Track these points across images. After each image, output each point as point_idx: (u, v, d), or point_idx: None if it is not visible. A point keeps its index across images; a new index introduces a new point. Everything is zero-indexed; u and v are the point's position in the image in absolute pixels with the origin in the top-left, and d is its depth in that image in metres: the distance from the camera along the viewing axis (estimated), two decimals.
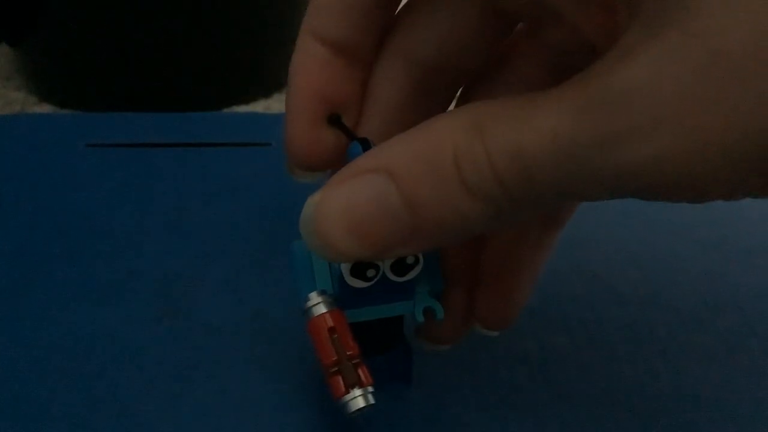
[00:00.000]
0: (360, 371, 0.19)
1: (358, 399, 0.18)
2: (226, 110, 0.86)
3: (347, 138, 0.19)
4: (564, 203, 0.16)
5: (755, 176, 0.13)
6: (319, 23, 0.19)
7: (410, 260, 0.19)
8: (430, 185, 0.15)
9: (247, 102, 0.90)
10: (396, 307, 0.21)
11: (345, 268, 0.19)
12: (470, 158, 0.15)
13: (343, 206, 0.16)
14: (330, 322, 0.19)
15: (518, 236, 0.21)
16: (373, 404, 0.19)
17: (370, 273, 0.19)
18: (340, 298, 0.19)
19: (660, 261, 0.30)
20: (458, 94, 0.21)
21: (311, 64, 0.19)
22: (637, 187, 0.13)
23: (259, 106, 0.90)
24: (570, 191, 0.14)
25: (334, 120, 0.20)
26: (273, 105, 0.91)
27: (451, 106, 0.21)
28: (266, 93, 0.92)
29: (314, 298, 0.19)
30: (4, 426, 0.22)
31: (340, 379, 0.18)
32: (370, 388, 0.19)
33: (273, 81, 0.94)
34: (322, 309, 0.19)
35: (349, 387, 0.18)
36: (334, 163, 0.20)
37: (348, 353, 0.19)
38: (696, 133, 0.12)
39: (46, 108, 0.87)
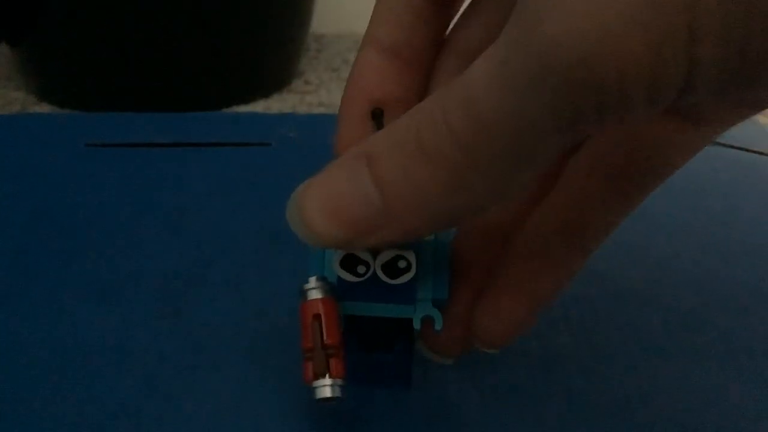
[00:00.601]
0: (332, 362, 0.19)
1: (325, 389, 0.19)
2: (226, 110, 0.86)
3: None
4: (524, 171, 0.15)
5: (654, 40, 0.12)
6: (374, 31, 0.20)
7: (402, 264, 0.19)
8: (393, 159, 0.16)
9: (247, 102, 0.90)
10: (395, 310, 0.20)
11: (336, 258, 0.19)
12: (428, 119, 0.15)
13: (322, 187, 0.17)
14: (319, 309, 0.19)
15: (536, 253, 0.21)
16: (339, 398, 0.19)
17: (360, 269, 0.19)
18: (339, 288, 0.20)
19: (660, 261, 0.30)
20: None
21: (365, 70, 0.20)
22: (564, 76, 0.13)
23: (259, 106, 0.90)
24: (514, 123, 0.14)
25: (376, 114, 0.20)
26: (273, 105, 0.91)
27: None
28: (266, 93, 0.92)
29: (313, 282, 0.19)
30: (4, 426, 0.22)
31: (309, 365, 0.19)
32: (340, 381, 0.19)
33: (273, 81, 0.94)
34: (315, 294, 0.19)
35: (317, 375, 0.19)
36: None
37: (327, 342, 0.19)
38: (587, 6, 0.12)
39: (46, 108, 0.87)
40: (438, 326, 0.20)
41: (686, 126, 0.19)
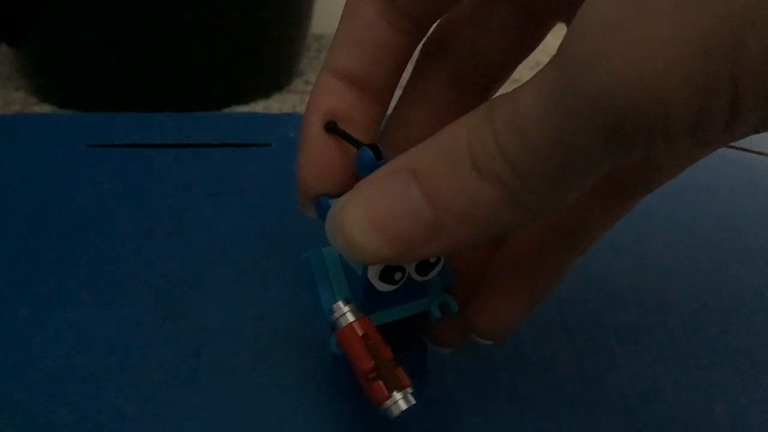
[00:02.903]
0: (398, 373, 0.19)
1: (399, 402, 0.18)
2: (226, 110, 0.86)
3: (351, 144, 0.19)
4: (574, 189, 0.16)
5: (705, 79, 0.12)
6: (333, 57, 0.20)
7: (432, 259, 0.19)
8: (446, 175, 0.16)
9: (247, 102, 0.90)
10: (414, 306, 0.21)
11: (373, 273, 0.18)
12: (480, 140, 0.15)
13: (367, 204, 0.16)
14: (361, 330, 0.19)
15: (531, 254, 0.21)
16: (414, 404, 0.19)
17: (398, 276, 0.19)
18: (364, 303, 0.19)
19: (660, 263, 0.30)
20: None
21: (324, 95, 0.20)
22: (613, 119, 0.13)
23: (259, 106, 0.90)
24: (566, 152, 0.14)
25: (331, 127, 0.20)
26: (273, 105, 0.91)
27: None
28: (266, 93, 0.92)
29: (340, 308, 0.19)
30: (3, 428, 0.22)
31: (381, 384, 0.18)
32: (410, 389, 0.19)
33: (273, 81, 0.94)
34: (350, 318, 0.19)
35: (391, 391, 0.18)
36: (346, 186, 0.20)
37: (384, 357, 0.19)
38: (637, 47, 0.12)
39: (46, 108, 0.87)
40: (454, 309, 0.21)
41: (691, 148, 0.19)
